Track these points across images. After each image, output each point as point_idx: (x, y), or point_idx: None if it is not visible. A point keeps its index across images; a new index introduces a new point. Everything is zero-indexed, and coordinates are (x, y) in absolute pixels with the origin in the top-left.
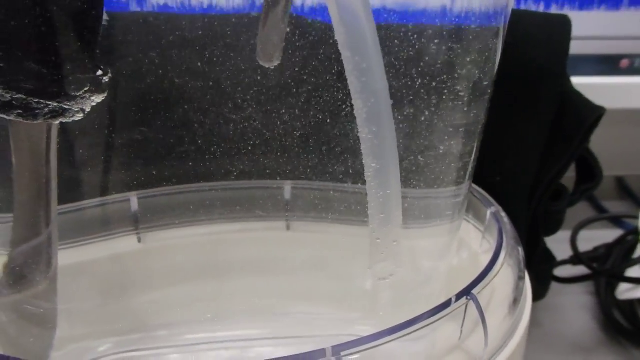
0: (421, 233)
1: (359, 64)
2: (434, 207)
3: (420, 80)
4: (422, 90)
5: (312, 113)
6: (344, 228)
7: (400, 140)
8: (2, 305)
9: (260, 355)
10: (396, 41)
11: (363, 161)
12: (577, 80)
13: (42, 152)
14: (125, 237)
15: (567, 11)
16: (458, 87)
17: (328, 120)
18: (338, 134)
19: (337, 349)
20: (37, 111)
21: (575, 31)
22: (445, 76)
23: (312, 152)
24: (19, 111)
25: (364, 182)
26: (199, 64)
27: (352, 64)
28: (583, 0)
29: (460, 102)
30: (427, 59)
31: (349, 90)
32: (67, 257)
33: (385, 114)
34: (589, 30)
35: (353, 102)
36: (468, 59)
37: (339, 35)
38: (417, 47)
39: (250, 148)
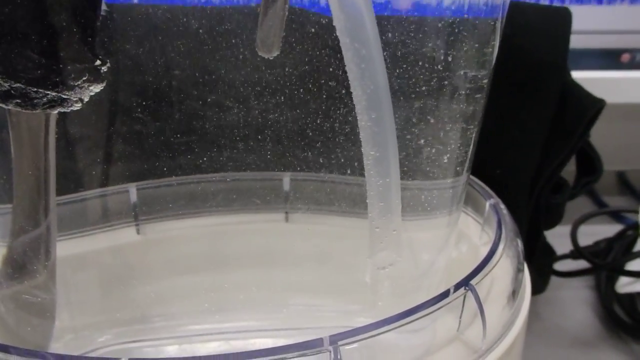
0: (419, 225)
1: (358, 51)
2: (432, 198)
3: (416, 72)
4: (419, 82)
5: (310, 104)
6: (343, 220)
7: (397, 132)
8: (1, 295)
9: (258, 346)
10: (392, 32)
11: (362, 149)
12: (578, 75)
13: (40, 142)
14: (124, 228)
15: (568, 5)
16: (455, 79)
17: (326, 112)
18: (337, 125)
19: (335, 339)
20: (35, 100)
21: (576, 25)
22: (441, 67)
23: (311, 143)
24: (18, 100)
25: (363, 174)
26: (198, 55)
27: (352, 51)
28: None
29: (457, 94)
30: (423, 50)
31: (348, 81)
32: (66, 248)
33: (385, 101)
34: (590, 24)
35: (352, 89)
36: (465, 51)
37: (338, 22)
38: (413, 38)
39: (249, 139)
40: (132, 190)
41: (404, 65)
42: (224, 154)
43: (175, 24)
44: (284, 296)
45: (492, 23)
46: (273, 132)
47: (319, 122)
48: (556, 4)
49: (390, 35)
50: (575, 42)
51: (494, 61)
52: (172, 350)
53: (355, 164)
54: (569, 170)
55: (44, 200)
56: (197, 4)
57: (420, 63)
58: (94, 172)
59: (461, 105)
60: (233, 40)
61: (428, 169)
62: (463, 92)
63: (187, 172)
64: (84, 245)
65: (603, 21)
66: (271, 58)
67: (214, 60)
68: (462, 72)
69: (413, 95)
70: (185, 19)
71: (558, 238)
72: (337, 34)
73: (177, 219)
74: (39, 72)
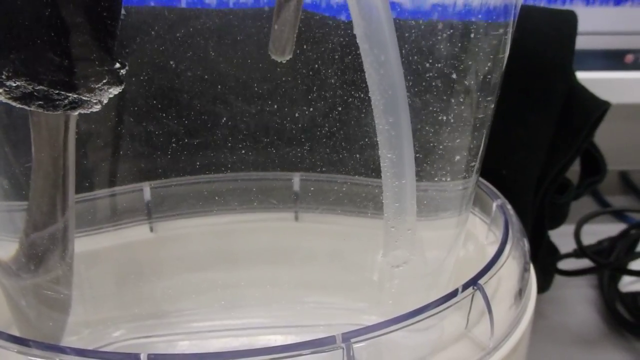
0: (429, 225)
1: (377, 57)
2: (442, 199)
3: (430, 75)
4: (432, 85)
5: (320, 106)
6: (351, 219)
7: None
8: (22, 289)
9: (268, 343)
10: (407, 36)
11: (379, 152)
12: (582, 75)
13: (60, 141)
14: (138, 226)
15: (572, 6)
16: (467, 82)
17: (334, 113)
18: (346, 126)
19: (347, 336)
20: (57, 102)
21: (581, 26)
22: (455, 71)
23: (321, 144)
24: (40, 102)
25: (371, 174)
26: (212, 57)
27: (371, 57)
28: None
29: (469, 97)
30: (437, 53)
31: (358, 83)
32: (82, 245)
33: (402, 105)
34: (594, 26)
35: (370, 93)
36: (478, 54)
37: (358, 29)
38: (427, 42)
39: (260, 140)
40: (146, 189)
41: (418, 69)
42: (236, 154)
43: (190, 26)
44: (292, 294)
45: (505, 26)
46: (283, 133)
47: (328, 123)
48: (561, 3)
49: (405, 38)
50: (580, 43)
51: (504, 64)
52: (183, 345)
53: (363, 164)
54: (573, 170)
55: (62, 197)
56: (212, 7)
57: (434, 66)
58: (109, 171)
59: (473, 108)
60: (245, 42)
61: (440, 170)
62: (475, 95)
63: (200, 171)
64: (99, 242)
65: (607, 22)
66: (284, 62)
67: (228, 62)
68: (474, 75)
69: (425, 99)
70: (199, 22)
71: (562, 237)
72: (357, 40)
73: (189, 217)
74: (61, 75)
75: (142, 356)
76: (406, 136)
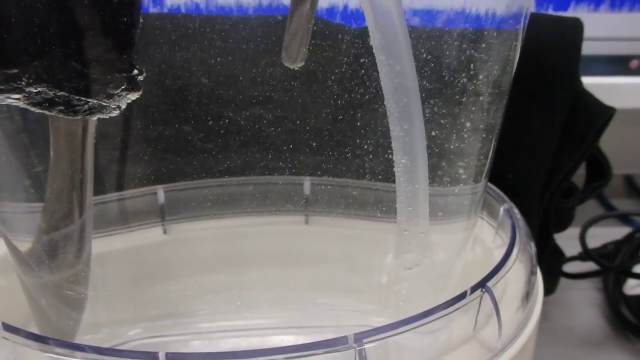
0: (439, 229)
1: (393, 67)
2: (452, 203)
3: (443, 82)
4: (444, 91)
5: (330, 111)
6: (359, 223)
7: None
8: (40, 287)
9: (279, 343)
10: (419, 43)
11: (393, 157)
12: (587, 80)
13: (78, 145)
14: (151, 228)
15: (578, 12)
16: (479, 89)
17: (346, 118)
18: (356, 131)
19: (359, 337)
20: (77, 107)
21: (586, 32)
22: (467, 78)
23: (331, 149)
24: (61, 107)
25: (380, 179)
26: (224, 62)
27: (387, 67)
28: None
29: (480, 103)
30: (449, 60)
31: (370, 89)
32: (97, 246)
33: (416, 112)
34: (599, 31)
35: (385, 102)
36: (489, 62)
37: (375, 40)
38: (439, 49)
39: (271, 144)
40: (160, 192)
41: (432, 76)
42: (248, 158)
43: (203, 32)
44: (302, 295)
45: (515, 33)
46: (294, 138)
47: (338, 129)
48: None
49: (418, 46)
50: (585, 48)
51: (514, 71)
52: (196, 345)
53: (372, 168)
54: (579, 174)
55: (79, 200)
56: (224, 14)
57: (447, 74)
58: (124, 175)
59: (484, 114)
60: (257, 49)
61: (451, 175)
62: (486, 102)
63: (212, 175)
64: (114, 244)
65: (612, 28)
66: (296, 69)
67: (240, 68)
68: (485, 82)
69: (436, 105)
70: (212, 28)
71: (567, 240)
72: (373, 50)
73: (201, 220)
74: (82, 81)
75: (160, 355)
76: (420, 142)
